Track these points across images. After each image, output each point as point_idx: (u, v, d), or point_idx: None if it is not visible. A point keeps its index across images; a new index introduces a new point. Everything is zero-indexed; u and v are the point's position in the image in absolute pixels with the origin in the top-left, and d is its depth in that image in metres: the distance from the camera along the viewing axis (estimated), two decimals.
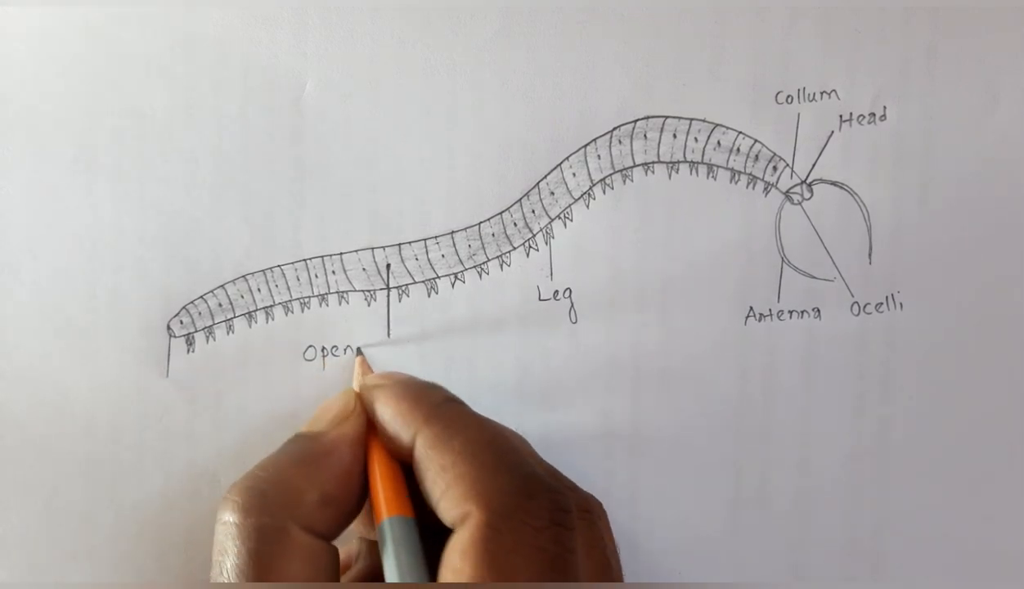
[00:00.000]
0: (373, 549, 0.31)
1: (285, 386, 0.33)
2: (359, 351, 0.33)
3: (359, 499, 0.29)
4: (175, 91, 0.33)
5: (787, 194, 0.34)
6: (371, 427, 0.29)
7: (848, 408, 0.34)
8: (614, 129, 0.34)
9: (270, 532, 0.26)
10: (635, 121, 0.34)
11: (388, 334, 0.34)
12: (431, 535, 0.27)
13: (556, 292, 0.34)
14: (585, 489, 0.29)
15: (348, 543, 0.31)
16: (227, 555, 0.26)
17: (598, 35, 0.33)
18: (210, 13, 0.33)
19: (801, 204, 0.34)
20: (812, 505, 0.35)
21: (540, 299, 0.34)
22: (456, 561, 0.25)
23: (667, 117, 0.34)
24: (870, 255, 0.34)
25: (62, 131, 0.32)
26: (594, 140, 0.34)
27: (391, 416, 0.29)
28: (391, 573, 0.26)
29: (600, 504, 0.28)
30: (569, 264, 0.34)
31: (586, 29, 0.33)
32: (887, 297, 0.34)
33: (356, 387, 0.32)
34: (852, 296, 0.34)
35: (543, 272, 0.34)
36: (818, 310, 0.34)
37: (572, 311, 0.34)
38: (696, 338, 0.34)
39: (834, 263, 0.34)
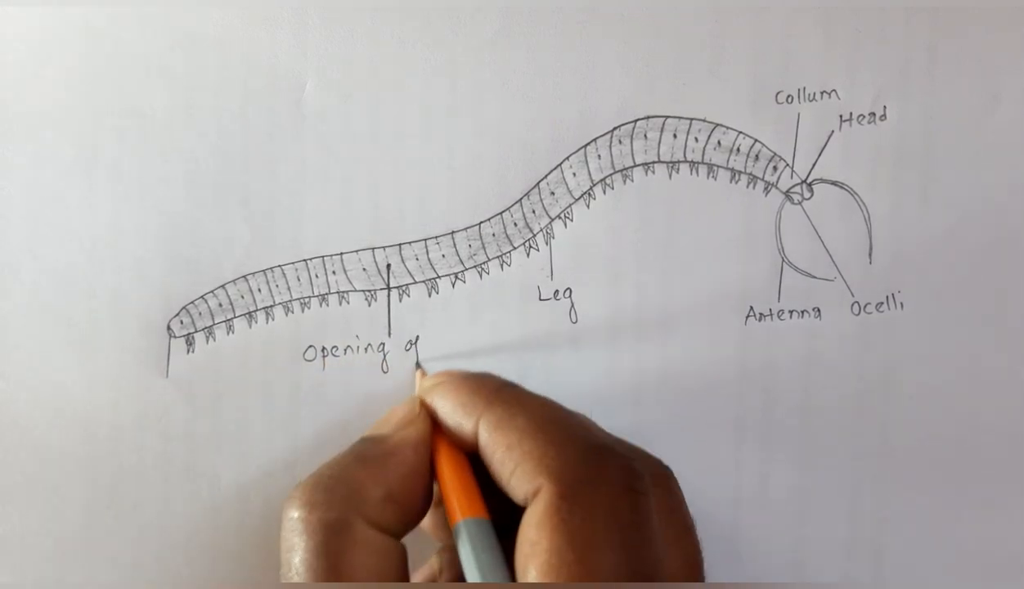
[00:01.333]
0: (455, 562, 0.31)
1: (285, 386, 0.33)
2: (418, 364, 0.34)
3: (424, 500, 0.29)
4: (175, 91, 0.33)
5: (787, 194, 0.34)
6: (437, 431, 0.30)
7: (848, 408, 0.34)
8: (614, 129, 0.34)
9: (335, 525, 0.27)
10: (635, 121, 0.34)
11: (388, 334, 0.34)
12: (505, 535, 0.27)
13: (556, 292, 0.34)
14: None
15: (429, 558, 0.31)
16: (295, 551, 0.26)
17: (598, 35, 0.33)
18: (210, 13, 0.33)
19: (801, 204, 0.34)
20: (812, 505, 0.35)
21: (540, 299, 0.34)
22: (532, 534, 0.25)
23: (667, 117, 0.34)
24: (870, 255, 0.34)
25: (62, 131, 0.32)
26: (594, 140, 0.34)
27: (452, 408, 0.29)
28: (470, 573, 0.26)
29: (670, 469, 0.28)
30: (569, 264, 0.34)
31: (586, 29, 0.33)
32: (887, 297, 0.34)
33: (415, 393, 0.32)
34: (852, 296, 0.34)
35: (543, 272, 0.34)
36: (818, 310, 0.34)
37: (572, 311, 0.34)
38: (696, 338, 0.34)
39: (834, 263, 0.34)
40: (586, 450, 0.27)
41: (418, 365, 0.34)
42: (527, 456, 0.26)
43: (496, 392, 0.29)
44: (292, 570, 0.26)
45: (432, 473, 0.29)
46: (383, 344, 0.34)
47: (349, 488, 0.27)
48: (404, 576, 0.27)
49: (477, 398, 0.29)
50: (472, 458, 0.29)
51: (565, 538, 0.25)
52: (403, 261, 0.34)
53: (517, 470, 0.26)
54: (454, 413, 0.29)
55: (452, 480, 0.29)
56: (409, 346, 0.34)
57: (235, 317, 0.33)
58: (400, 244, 0.34)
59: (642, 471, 0.26)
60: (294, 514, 0.27)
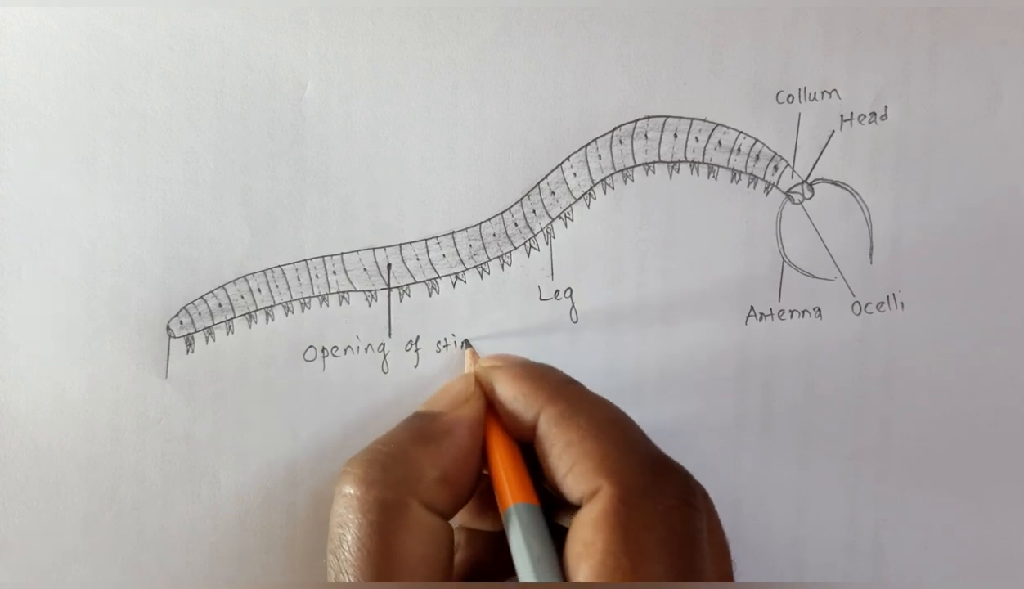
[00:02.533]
0: (474, 539, 0.31)
1: (285, 387, 0.33)
2: (467, 343, 0.34)
3: (474, 482, 0.29)
4: (175, 92, 0.33)
5: (788, 194, 0.34)
6: (490, 412, 0.30)
7: (848, 408, 0.34)
8: (615, 129, 0.34)
9: (391, 506, 0.27)
10: (636, 121, 0.34)
11: (389, 334, 0.34)
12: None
13: (557, 292, 0.34)
14: None
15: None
16: (347, 527, 0.26)
17: (598, 35, 0.33)
18: (210, 13, 0.33)
19: (802, 204, 0.34)
20: (812, 504, 0.35)
21: (541, 299, 0.34)
22: (588, 534, 0.25)
23: (668, 117, 0.34)
24: (871, 255, 0.34)
25: (63, 131, 0.32)
26: (595, 140, 0.34)
27: (513, 395, 0.29)
28: (521, 559, 0.26)
29: (704, 489, 0.29)
30: (570, 264, 0.34)
31: (586, 29, 0.33)
32: (888, 297, 0.34)
33: (468, 371, 0.32)
34: (853, 296, 0.34)
35: (544, 272, 0.34)
36: (819, 310, 0.34)
37: (573, 311, 0.34)
38: (697, 338, 0.34)
39: (835, 263, 0.34)
40: (647, 458, 0.27)
41: (468, 344, 0.34)
42: (587, 455, 0.27)
43: (560, 386, 0.29)
44: (343, 545, 0.26)
45: (482, 455, 0.29)
46: (383, 344, 0.34)
47: (407, 468, 0.27)
48: (451, 559, 0.27)
49: (540, 389, 0.29)
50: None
51: (621, 543, 0.25)
52: (403, 261, 0.34)
53: (575, 468, 0.27)
54: (514, 400, 0.29)
55: (505, 464, 0.29)
56: (409, 346, 0.34)
57: (235, 317, 0.33)
58: (400, 244, 0.33)
59: (696, 488, 0.27)
60: (349, 490, 0.27)
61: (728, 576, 0.27)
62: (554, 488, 0.28)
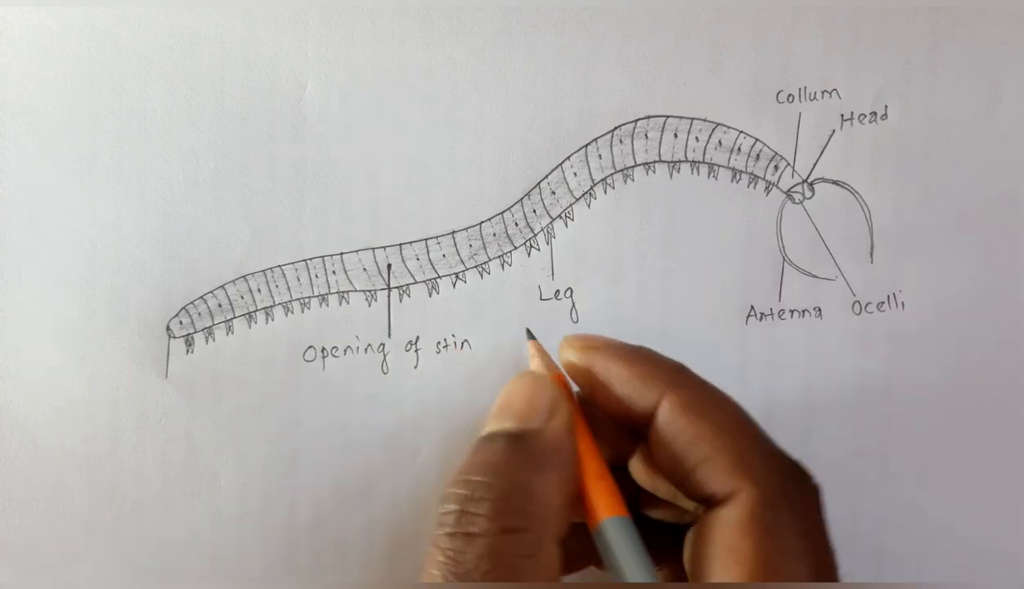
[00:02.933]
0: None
1: (285, 387, 0.33)
2: (530, 334, 0.33)
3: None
4: (175, 92, 0.33)
5: (788, 193, 0.34)
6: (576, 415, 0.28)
7: (848, 408, 0.34)
8: (615, 128, 0.34)
9: (529, 547, 0.24)
10: (636, 120, 0.34)
11: (389, 334, 0.34)
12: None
13: (557, 292, 0.34)
14: None
15: None
16: (473, 569, 0.24)
17: (598, 34, 0.33)
18: (210, 13, 0.33)
19: (802, 203, 0.34)
20: None
21: (541, 299, 0.34)
22: (734, 539, 0.25)
23: (668, 116, 0.34)
24: (871, 254, 0.34)
25: (63, 132, 0.32)
26: (595, 139, 0.34)
27: (628, 377, 0.27)
28: (623, 575, 0.26)
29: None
30: (570, 264, 0.34)
31: (586, 28, 0.33)
32: (888, 296, 0.34)
33: (535, 369, 0.30)
34: (853, 295, 0.34)
35: (544, 272, 0.34)
36: (819, 309, 0.34)
37: (573, 310, 0.34)
38: (697, 337, 0.34)
39: (835, 262, 0.34)
40: (784, 461, 0.26)
41: (531, 335, 0.33)
42: (723, 452, 0.26)
43: (679, 372, 0.28)
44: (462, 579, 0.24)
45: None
46: (383, 344, 0.34)
47: (537, 504, 0.25)
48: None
49: (659, 373, 0.27)
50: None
51: (772, 547, 0.24)
52: (403, 261, 0.34)
53: (708, 464, 0.26)
54: (629, 384, 0.27)
55: (596, 474, 0.27)
56: (409, 346, 0.34)
57: (235, 317, 0.33)
58: (400, 244, 0.33)
59: (819, 491, 0.26)
60: (478, 530, 0.24)
61: (836, 573, 0.26)
62: (674, 477, 0.27)
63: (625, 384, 0.28)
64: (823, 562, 0.25)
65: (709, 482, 0.26)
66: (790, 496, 0.25)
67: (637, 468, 0.29)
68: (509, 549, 0.24)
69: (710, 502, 0.26)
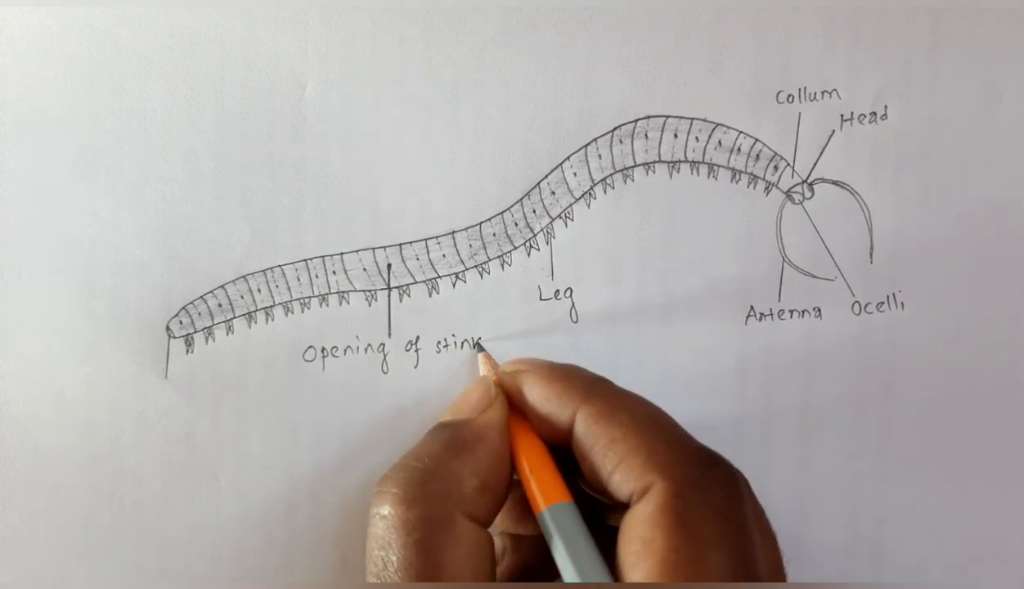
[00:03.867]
0: (518, 544, 0.31)
1: (285, 387, 0.33)
2: (481, 347, 0.33)
3: (509, 486, 0.29)
4: (175, 92, 0.33)
5: (788, 194, 0.34)
6: (513, 416, 0.29)
7: (848, 408, 0.34)
8: (615, 129, 0.34)
9: (436, 522, 0.26)
10: (636, 120, 0.34)
11: (389, 334, 0.34)
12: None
13: (557, 292, 0.34)
14: None
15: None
16: (391, 548, 0.26)
17: (598, 35, 0.33)
18: (210, 13, 0.33)
19: (802, 204, 0.34)
20: (811, 505, 0.35)
21: (541, 299, 0.34)
22: (646, 531, 0.25)
23: (668, 117, 0.34)
24: (871, 255, 0.34)
25: (63, 131, 0.32)
26: (595, 140, 0.34)
27: (545, 396, 0.29)
28: (564, 560, 0.26)
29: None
30: (570, 264, 0.34)
31: (587, 28, 0.33)
32: (888, 297, 0.34)
33: (485, 375, 0.32)
34: (853, 296, 0.34)
35: (544, 272, 0.34)
36: (819, 310, 0.34)
37: (573, 311, 0.34)
38: (697, 338, 0.34)
39: (835, 263, 0.34)
40: (695, 451, 0.27)
41: (481, 347, 0.33)
42: (634, 451, 0.26)
43: (592, 385, 0.29)
44: (388, 568, 0.26)
45: (511, 459, 0.29)
46: (383, 344, 0.34)
47: (446, 482, 0.27)
48: (494, 567, 0.27)
49: (573, 390, 0.28)
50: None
51: (683, 536, 0.25)
52: (404, 261, 0.34)
53: (622, 465, 0.26)
54: (547, 402, 0.29)
55: (534, 466, 0.28)
56: (409, 346, 0.34)
57: (235, 317, 0.33)
58: (400, 244, 0.33)
59: (739, 475, 0.27)
60: (388, 510, 0.26)
61: (777, 561, 0.27)
62: (597, 488, 0.27)
63: (545, 403, 0.29)
64: (745, 550, 0.25)
65: (626, 483, 0.26)
66: (702, 485, 0.26)
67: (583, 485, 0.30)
68: (417, 524, 0.26)
69: (630, 503, 0.26)
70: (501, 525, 0.31)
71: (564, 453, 0.29)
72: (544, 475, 0.28)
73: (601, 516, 0.29)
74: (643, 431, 0.27)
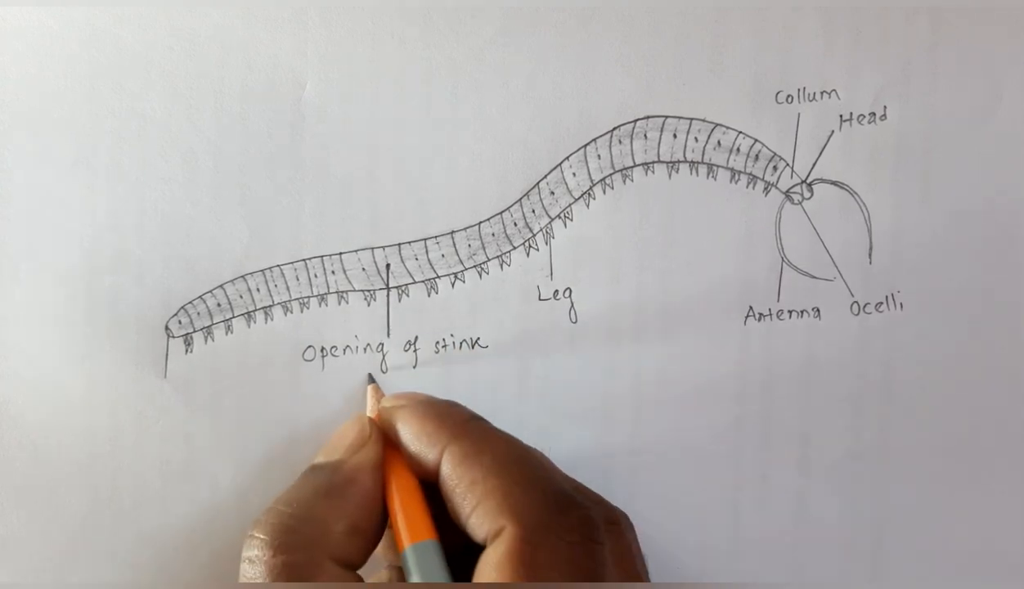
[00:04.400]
0: (405, 579, 0.31)
1: (284, 387, 0.33)
2: (371, 379, 0.33)
3: (382, 525, 0.29)
4: (175, 91, 0.33)
5: (787, 194, 0.34)
6: (389, 452, 0.29)
7: (848, 408, 0.34)
8: (614, 129, 0.34)
9: (302, 567, 0.26)
10: (635, 121, 0.34)
11: (388, 334, 0.34)
12: (457, 556, 0.28)
13: (556, 292, 0.34)
14: (584, 484, 0.29)
15: (376, 572, 0.31)
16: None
17: (598, 35, 0.33)
18: (210, 13, 0.33)
19: (801, 204, 0.34)
20: (812, 505, 0.35)
21: (540, 299, 0.34)
22: (492, 575, 0.25)
23: (667, 117, 0.34)
24: (870, 255, 0.34)
25: (62, 131, 0.32)
26: (594, 140, 0.34)
27: (415, 435, 0.29)
28: None
29: (626, 516, 0.29)
30: (569, 264, 0.34)
31: (586, 29, 0.33)
32: (887, 297, 0.34)
33: (370, 413, 0.32)
34: (852, 296, 0.34)
35: (543, 272, 0.34)
36: (818, 310, 0.34)
37: (572, 311, 0.34)
38: (696, 338, 0.34)
39: (834, 263, 0.34)
40: (549, 495, 0.27)
41: (371, 380, 0.33)
42: (491, 494, 0.26)
43: (463, 425, 0.29)
44: None
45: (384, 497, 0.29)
46: (382, 344, 0.34)
47: (314, 527, 0.27)
48: None
49: (443, 428, 0.28)
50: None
51: (528, 581, 0.25)
52: (402, 261, 0.34)
53: (479, 507, 0.27)
54: (417, 441, 0.29)
55: (403, 504, 0.28)
56: (408, 346, 0.34)
57: (234, 317, 0.33)
58: (399, 244, 0.33)
59: (597, 520, 0.27)
60: (256, 554, 0.27)
61: None
62: (461, 526, 0.27)
63: (414, 442, 0.29)
64: None
65: (482, 524, 0.26)
66: (553, 530, 0.26)
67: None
68: (283, 570, 0.26)
69: (486, 544, 0.26)
70: (387, 559, 0.31)
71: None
72: (410, 513, 0.28)
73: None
74: (501, 473, 0.27)
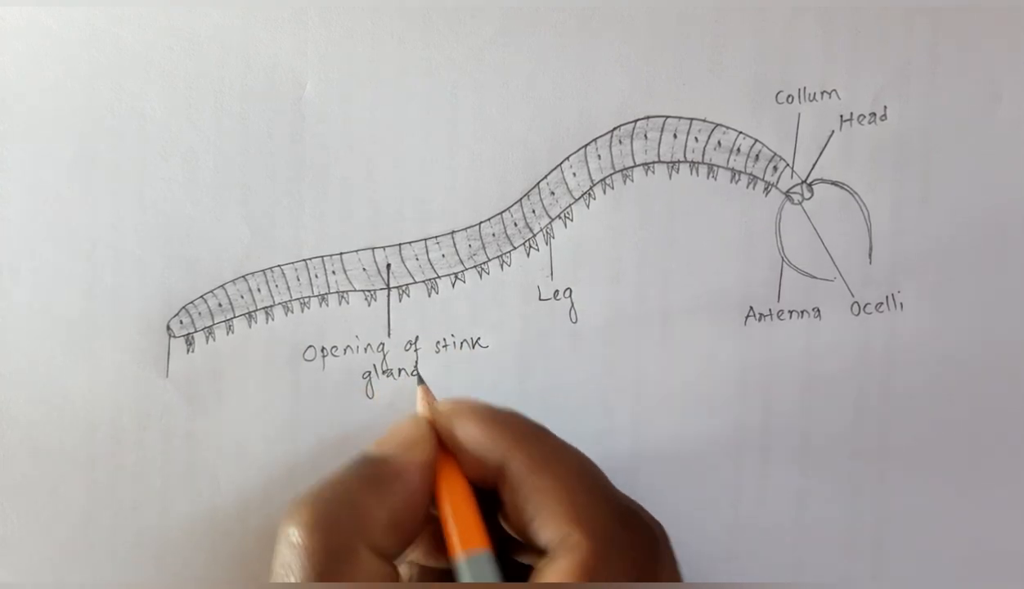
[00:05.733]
0: (425, 576, 0.31)
1: (285, 386, 0.33)
2: (420, 379, 0.34)
3: (422, 524, 0.29)
4: (175, 91, 0.33)
5: (787, 194, 0.34)
6: (441, 455, 0.29)
7: (848, 408, 0.34)
8: (614, 129, 0.34)
9: (339, 552, 0.26)
10: (635, 121, 0.34)
11: (388, 334, 0.34)
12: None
13: (556, 292, 0.34)
14: None
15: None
16: (291, 571, 0.26)
17: (598, 35, 0.33)
18: (210, 13, 0.33)
19: (801, 204, 0.34)
20: (812, 505, 0.35)
21: (540, 299, 0.34)
22: (559, 580, 0.26)
23: (667, 117, 0.34)
24: (870, 255, 0.34)
25: (62, 131, 0.32)
26: (594, 140, 0.34)
27: (477, 438, 0.29)
28: None
29: (664, 529, 0.29)
30: (569, 264, 0.34)
31: (586, 29, 0.33)
32: (887, 297, 0.34)
33: (421, 413, 0.32)
34: (852, 296, 0.34)
35: (543, 272, 0.34)
36: (818, 310, 0.34)
37: (572, 311, 0.34)
38: (696, 338, 0.34)
39: (834, 263, 0.34)
40: (619, 510, 0.27)
41: (421, 380, 0.34)
42: (558, 502, 0.27)
43: (529, 432, 0.29)
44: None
45: (431, 497, 0.29)
46: (383, 344, 0.34)
47: (355, 513, 0.27)
48: None
49: (506, 434, 0.28)
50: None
51: None
52: (403, 261, 0.34)
53: (544, 513, 0.27)
54: (479, 444, 0.29)
55: (457, 508, 0.28)
56: (409, 346, 0.34)
57: (235, 317, 0.33)
58: (400, 244, 0.34)
59: (657, 536, 0.27)
60: (295, 533, 0.27)
61: None
62: (517, 528, 0.28)
63: (474, 445, 0.29)
64: None
65: (546, 530, 0.27)
66: (620, 544, 0.26)
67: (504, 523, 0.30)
68: (317, 550, 0.26)
69: (547, 550, 0.27)
70: (411, 555, 0.31)
71: (487, 494, 0.29)
72: (466, 519, 0.28)
73: (508, 549, 0.30)
74: (570, 483, 0.27)
